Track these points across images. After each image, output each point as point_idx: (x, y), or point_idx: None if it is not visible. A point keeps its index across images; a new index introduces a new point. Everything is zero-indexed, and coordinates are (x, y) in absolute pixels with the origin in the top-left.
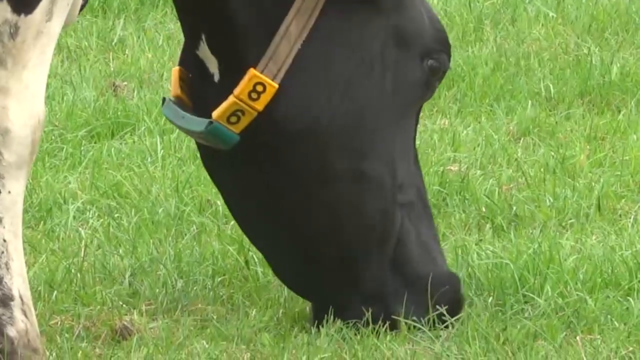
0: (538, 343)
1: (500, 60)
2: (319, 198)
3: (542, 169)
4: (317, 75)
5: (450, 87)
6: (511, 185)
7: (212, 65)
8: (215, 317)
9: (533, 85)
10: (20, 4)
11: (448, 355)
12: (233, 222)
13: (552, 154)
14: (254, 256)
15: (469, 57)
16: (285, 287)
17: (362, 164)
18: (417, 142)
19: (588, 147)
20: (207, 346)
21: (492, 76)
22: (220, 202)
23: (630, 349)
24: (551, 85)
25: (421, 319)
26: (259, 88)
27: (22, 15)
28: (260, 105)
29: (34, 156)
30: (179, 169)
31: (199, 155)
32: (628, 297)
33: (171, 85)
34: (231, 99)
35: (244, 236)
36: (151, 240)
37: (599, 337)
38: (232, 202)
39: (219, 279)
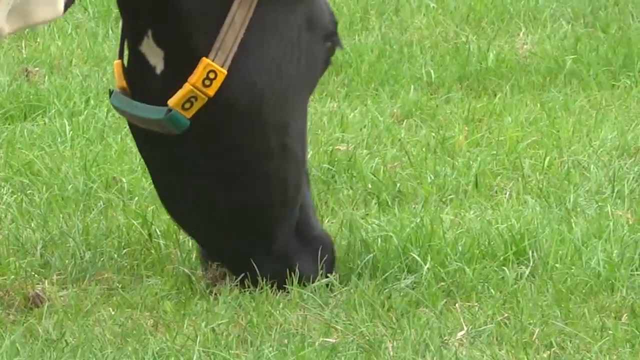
0: (420, 310)
1: (385, 47)
2: (256, 170)
3: (423, 149)
4: (257, 60)
5: (338, 72)
6: (395, 164)
7: (156, 57)
8: (120, 286)
9: (415, 71)
10: None
11: (337, 322)
12: (137, 197)
13: (433, 134)
14: (157, 229)
15: (355, 44)
16: (185, 257)
17: (286, 138)
18: (308, 124)
19: (466, 128)
20: (113, 313)
21: (377, 63)
22: (125, 179)
23: (506, 315)
24: (432, 71)
25: (315, 276)
26: (212, 75)
27: None
28: (212, 91)
29: None
30: (87, 149)
31: (133, 139)
32: (503, 267)
33: (115, 78)
34: (187, 86)
35: (148, 211)
36: (61, 215)
37: (476, 304)
38: (168, 181)
39: (124, 250)
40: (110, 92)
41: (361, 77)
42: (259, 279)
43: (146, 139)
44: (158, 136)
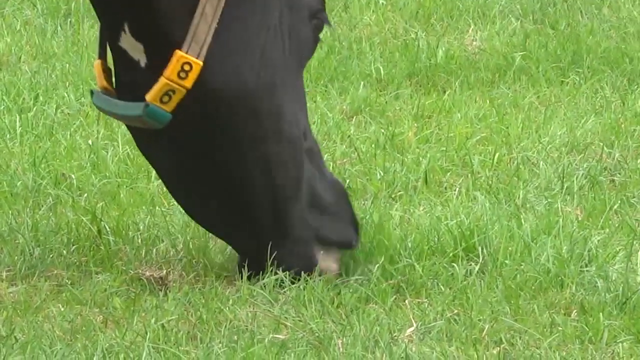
0: (370, 306)
1: (334, 44)
2: (250, 157)
3: (373, 145)
4: (236, 47)
5: None
6: (344, 160)
7: (137, 52)
8: (70, 282)
9: (364, 68)
10: None
11: (286, 318)
12: (87, 194)
13: (382, 131)
14: (106, 226)
15: None
16: (135, 253)
17: (280, 122)
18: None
19: (415, 124)
20: (62, 309)
21: (326, 59)
22: (74, 175)
23: (455, 311)
24: (381, 68)
25: (352, 235)
26: (187, 67)
27: None
28: (188, 82)
29: None
30: (36, 145)
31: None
32: (453, 264)
33: (97, 78)
34: (162, 80)
35: (97, 207)
36: (10, 211)
37: (426, 300)
38: (170, 175)
39: (74, 247)
40: (92, 93)
41: (310, 74)
42: (284, 268)
43: (144, 138)
44: (154, 133)
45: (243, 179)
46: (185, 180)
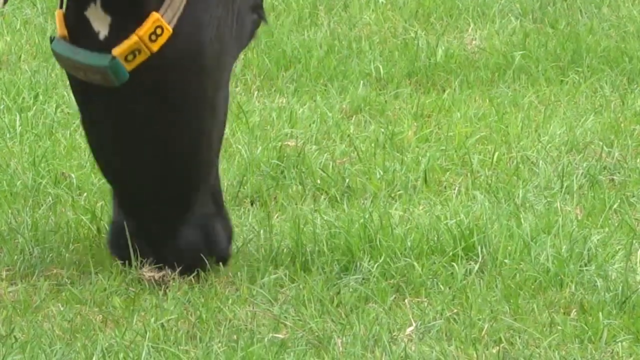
0: (369, 305)
1: (334, 43)
2: (193, 122)
3: (372, 144)
4: (199, 20)
5: (287, 68)
6: (344, 159)
7: (101, 23)
8: (69, 281)
9: (364, 67)
10: None
11: (286, 317)
12: (86, 193)
13: (382, 130)
14: (106, 225)
15: (304, 40)
16: (134, 253)
17: (219, 92)
18: (257, 120)
19: (415, 124)
20: (62, 309)
21: (326, 58)
22: (74, 175)
23: (455, 310)
24: (381, 67)
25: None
26: (158, 31)
27: None
28: (156, 46)
29: None
30: (35, 144)
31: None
32: (452, 263)
33: (57, 26)
34: (134, 37)
35: (97, 206)
36: (10, 211)
37: (425, 300)
38: (105, 136)
39: (73, 246)
40: (52, 39)
41: (310, 73)
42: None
43: (85, 91)
44: (97, 88)
45: (172, 137)
46: (120, 139)
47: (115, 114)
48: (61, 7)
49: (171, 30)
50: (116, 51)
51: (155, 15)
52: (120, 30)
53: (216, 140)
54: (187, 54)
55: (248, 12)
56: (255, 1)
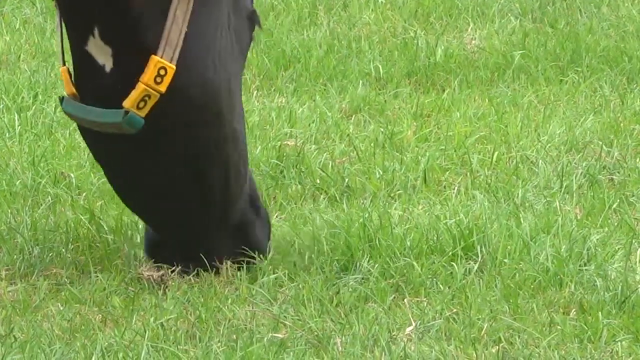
0: (369, 305)
1: (333, 43)
2: (215, 156)
3: (372, 144)
4: (201, 51)
5: (287, 68)
6: (343, 159)
7: (103, 56)
8: (69, 281)
9: (364, 66)
10: None
11: (285, 317)
12: (86, 193)
13: (382, 129)
14: (105, 225)
15: (304, 40)
16: (134, 253)
17: (234, 122)
18: (257, 119)
19: (414, 123)
20: (61, 308)
21: (325, 58)
22: (73, 174)
23: (454, 310)
24: (380, 66)
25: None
26: (162, 72)
27: None
28: (163, 87)
29: None
30: (35, 144)
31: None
32: (452, 263)
33: (64, 85)
34: (140, 86)
35: (96, 206)
36: (9, 210)
37: (425, 299)
38: (127, 178)
39: (73, 246)
40: (61, 100)
41: (309, 73)
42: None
43: (99, 139)
44: (113, 136)
45: (200, 172)
46: (143, 178)
47: (134, 156)
48: (64, 63)
49: (174, 67)
50: (127, 103)
51: (154, 58)
52: (124, 60)
53: (243, 154)
54: (194, 85)
55: (244, 23)
56: (248, 9)
